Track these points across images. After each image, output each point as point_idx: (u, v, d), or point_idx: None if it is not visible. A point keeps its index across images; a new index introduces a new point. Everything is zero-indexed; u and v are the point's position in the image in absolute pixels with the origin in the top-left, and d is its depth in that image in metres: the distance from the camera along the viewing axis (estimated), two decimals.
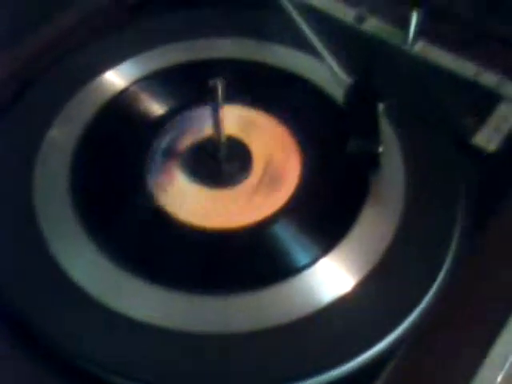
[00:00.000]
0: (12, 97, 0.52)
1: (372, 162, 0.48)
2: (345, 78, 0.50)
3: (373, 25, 0.58)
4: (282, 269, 0.45)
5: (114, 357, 0.41)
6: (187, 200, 0.47)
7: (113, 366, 0.41)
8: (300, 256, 0.45)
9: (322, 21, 0.55)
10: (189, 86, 0.53)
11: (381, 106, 0.49)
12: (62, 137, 0.50)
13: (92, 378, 0.41)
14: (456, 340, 0.43)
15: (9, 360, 0.42)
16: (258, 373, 0.41)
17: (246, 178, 0.48)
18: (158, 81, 0.54)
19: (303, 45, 0.53)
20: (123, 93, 0.53)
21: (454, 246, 0.45)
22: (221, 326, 0.42)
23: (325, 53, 0.51)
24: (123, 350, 0.41)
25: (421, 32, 0.56)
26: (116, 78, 0.54)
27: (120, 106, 0.52)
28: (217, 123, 0.46)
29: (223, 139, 0.48)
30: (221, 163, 0.49)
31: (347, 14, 0.59)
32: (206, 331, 0.42)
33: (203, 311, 0.43)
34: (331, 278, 0.44)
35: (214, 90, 0.43)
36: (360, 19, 0.58)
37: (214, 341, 0.41)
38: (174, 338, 0.41)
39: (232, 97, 0.46)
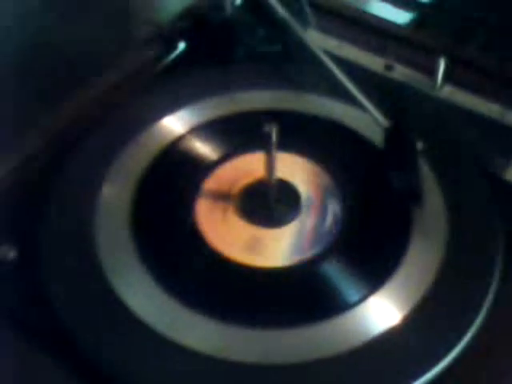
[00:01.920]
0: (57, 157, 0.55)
1: (414, 198, 0.50)
2: (383, 122, 0.53)
3: (401, 72, 0.62)
4: (330, 306, 0.47)
5: None
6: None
7: None
8: (347, 293, 0.47)
9: (351, 71, 0.58)
10: (234, 134, 0.56)
11: (419, 146, 0.52)
12: (119, 185, 0.53)
13: None
14: (501, 369, 0.45)
15: None
16: None
17: (294, 219, 0.51)
18: (205, 131, 0.57)
19: (339, 93, 0.56)
20: (176, 141, 0.56)
21: (496, 279, 0.47)
22: (272, 357, 0.44)
23: (362, 99, 0.54)
24: (177, 379, 0.44)
25: (447, 78, 0.60)
26: (168, 128, 0.57)
27: (174, 152, 0.55)
28: (270, 166, 0.49)
29: (274, 182, 0.50)
30: (271, 205, 0.51)
31: (376, 64, 0.62)
32: (257, 363, 0.44)
33: (255, 344, 0.45)
34: (379, 313, 0.46)
35: (268, 135, 0.46)
36: (389, 67, 0.62)
37: (266, 372, 0.44)
38: (226, 369, 0.44)
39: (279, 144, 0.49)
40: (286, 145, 0.52)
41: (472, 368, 0.44)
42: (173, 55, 0.63)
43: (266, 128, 0.46)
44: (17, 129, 0.57)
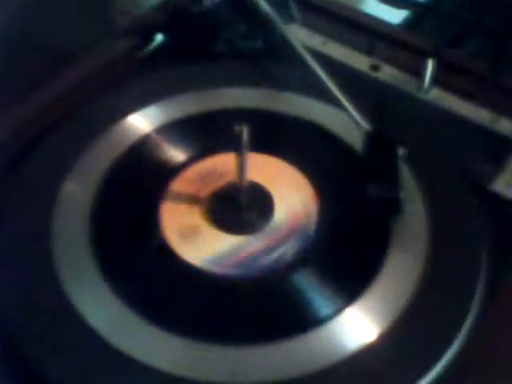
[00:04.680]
0: (23, 150, 0.52)
1: (393, 208, 0.47)
2: (363, 126, 0.50)
3: (387, 73, 0.59)
4: (302, 320, 0.44)
5: None
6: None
7: None
8: (322, 306, 0.45)
9: (336, 70, 0.55)
10: (206, 134, 0.53)
11: (400, 152, 0.49)
12: (80, 184, 0.50)
13: None
14: None
15: None
16: None
17: (266, 224, 0.48)
18: (175, 129, 0.54)
19: (319, 94, 0.54)
20: (141, 141, 0.53)
21: (478, 294, 0.45)
22: (240, 377, 0.41)
23: (343, 101, 0.51)
24: None
25: (435, 81, 0.57)
26: (133, 127, 0.54)
27: (138, 153, 0.52)
28: (240, 169, 0.46)
29: (245, 185, 0.47)
30: (242, 210, 0.48)
31: (362, 63, 0.60)
32: (222, 382, 0.41)
33: (220, 361, 0.42)
34: (354, 328, 0.43)
35: (239, 136, 0.44)
36: (374, 68, 0.59)
37: None
38: None
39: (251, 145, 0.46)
40: (259, 146, 0.49)
41: None
42: (149, 47, 0.60)
43: (237, 129, 0.43)
44: None
